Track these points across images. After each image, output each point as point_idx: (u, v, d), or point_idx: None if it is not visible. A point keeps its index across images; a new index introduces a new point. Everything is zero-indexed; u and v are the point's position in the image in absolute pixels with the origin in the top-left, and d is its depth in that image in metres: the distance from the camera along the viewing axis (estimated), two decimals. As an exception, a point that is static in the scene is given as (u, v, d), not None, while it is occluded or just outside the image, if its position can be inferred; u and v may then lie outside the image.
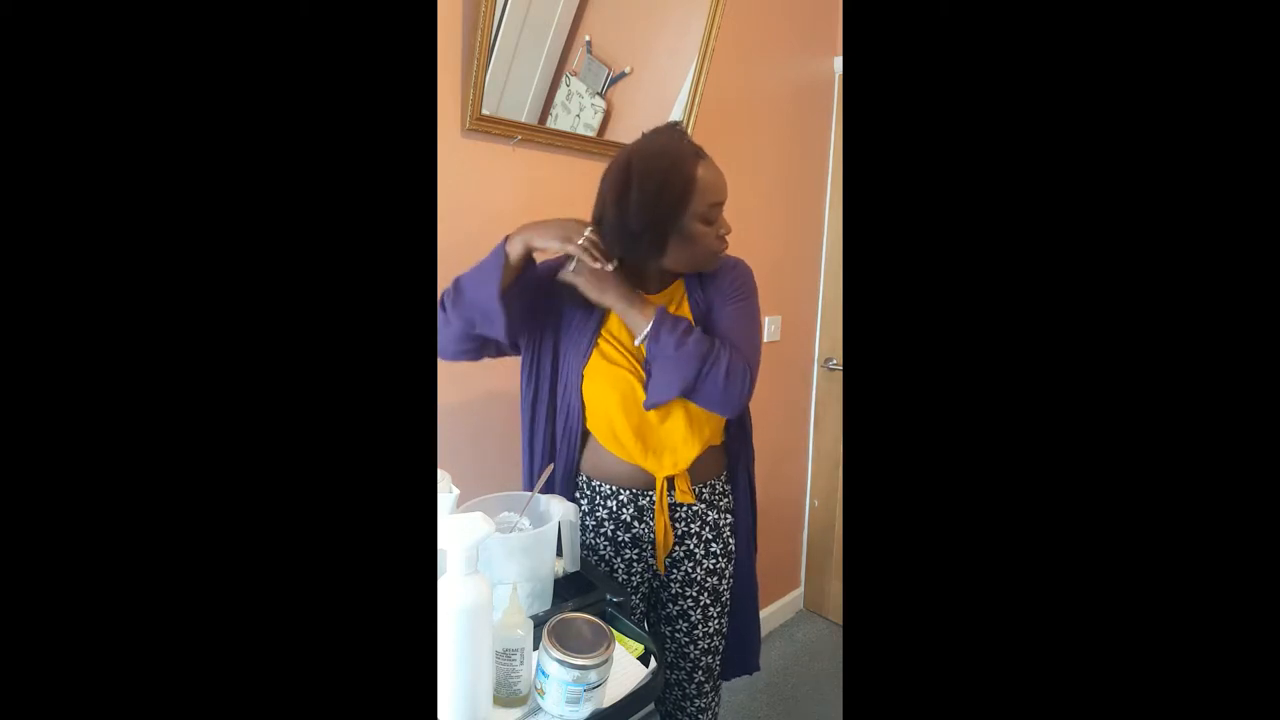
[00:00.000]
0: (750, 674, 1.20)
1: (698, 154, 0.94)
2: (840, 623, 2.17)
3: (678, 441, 1.00)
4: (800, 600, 2.28)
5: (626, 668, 0.78)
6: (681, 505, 1.04)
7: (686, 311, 1.02)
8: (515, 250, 0.91)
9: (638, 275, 1.01)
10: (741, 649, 1.17)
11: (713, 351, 0.91)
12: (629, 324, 0.94)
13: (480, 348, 0.98)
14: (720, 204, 0.95)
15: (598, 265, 0.91)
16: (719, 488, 1.08)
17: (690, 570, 1.06)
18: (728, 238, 0.99)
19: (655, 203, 0.91)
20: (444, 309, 0.95)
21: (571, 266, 0.95)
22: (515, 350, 1.03)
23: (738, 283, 1.02)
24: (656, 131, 0.97)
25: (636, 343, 0.94)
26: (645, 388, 0.96)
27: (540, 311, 1.01)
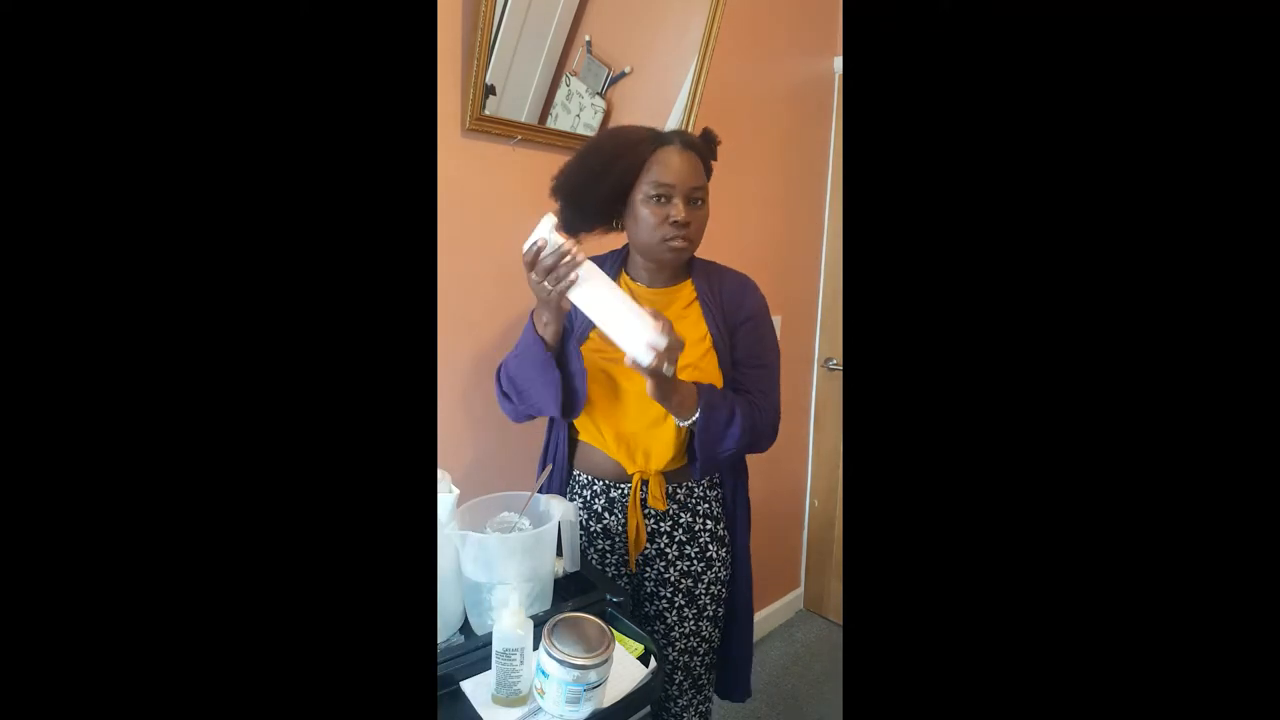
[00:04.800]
0: (739, 701, 1.18)
1: (658, 139, 0.95)
2: (840, 623, 2.16)
3: (654, 444, 1.01)
4: (800, 600, 2.28)
5: (626, 668, 0.78)
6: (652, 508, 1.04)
7: (698, 311, 1.02)
8: (550, 334, 0.95)
9: (637, 268, 1.02)
10: (732, 671, 1.16)
11: (752, 416, 0.97)
12: (677, 414, 0.94)
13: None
14: (668, 185, 0.92)
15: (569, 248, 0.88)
16: (698, 492, 1.06)
17: (663, 570, 1.06)
18: (685, 237, 0.95)
19: (585, 168, 0.94)
20: (508, 400, 1.01)
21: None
22: None
23: (758, 311, 1.04)
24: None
25: (682, 423, 0.95)
26: (691, 448, 0.98)
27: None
